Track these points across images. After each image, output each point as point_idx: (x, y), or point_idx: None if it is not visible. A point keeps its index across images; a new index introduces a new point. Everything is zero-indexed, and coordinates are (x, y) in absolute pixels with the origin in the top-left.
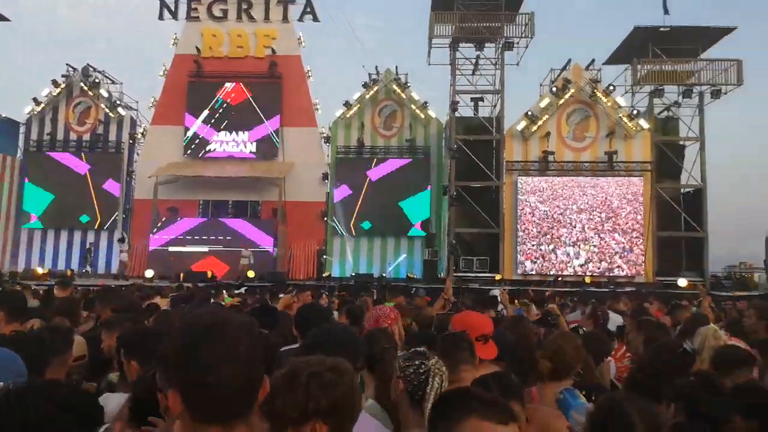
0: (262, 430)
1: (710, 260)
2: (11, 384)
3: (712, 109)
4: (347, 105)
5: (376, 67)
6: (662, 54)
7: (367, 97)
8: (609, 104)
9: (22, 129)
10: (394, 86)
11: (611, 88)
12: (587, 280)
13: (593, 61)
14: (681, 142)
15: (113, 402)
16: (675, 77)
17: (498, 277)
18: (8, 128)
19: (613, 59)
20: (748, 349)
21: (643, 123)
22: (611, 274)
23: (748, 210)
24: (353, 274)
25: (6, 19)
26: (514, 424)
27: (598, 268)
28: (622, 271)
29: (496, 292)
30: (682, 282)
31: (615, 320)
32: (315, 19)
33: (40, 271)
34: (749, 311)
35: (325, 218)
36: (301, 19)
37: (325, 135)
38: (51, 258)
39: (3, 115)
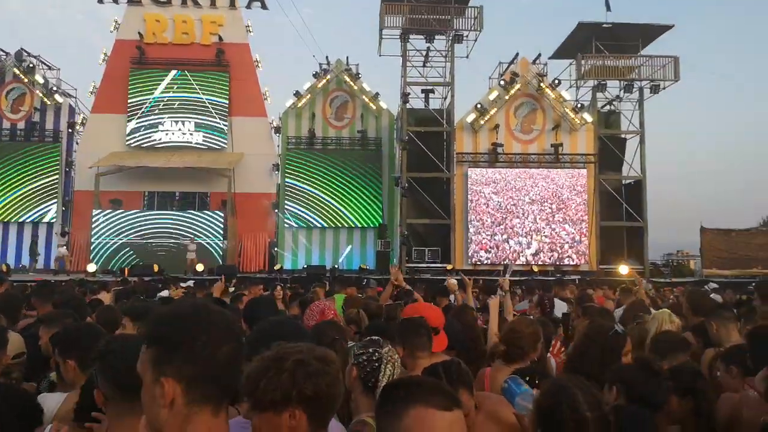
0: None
1: (650, 248)
2: None
3: (652, 104)
4: (297, 95)
5: (327, 57)
6: (605, 50)
7: (318, 87)
8: (554, 98)
9: None
10: (345, 77)
11: (557, 82)
12: (535, 269)
13: (539, 55)
14: (622, 135)
15: (51, 401)
16: (617, 72)
17: (449, 266)
18: None
19: (559, 54)
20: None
21: (587, 116)
22: (561, 264)
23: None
24: (305, 266)
25: None
26: (458, 410)
27: (549, 258)
28: (572, 260)
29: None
30: (624, 269)
31: (560, 307)
32: (263, 6)
33: None
34: (682, 298)
35: (276, 210)
36: (249, 6)
37: (275, 125)
38: None
39: None
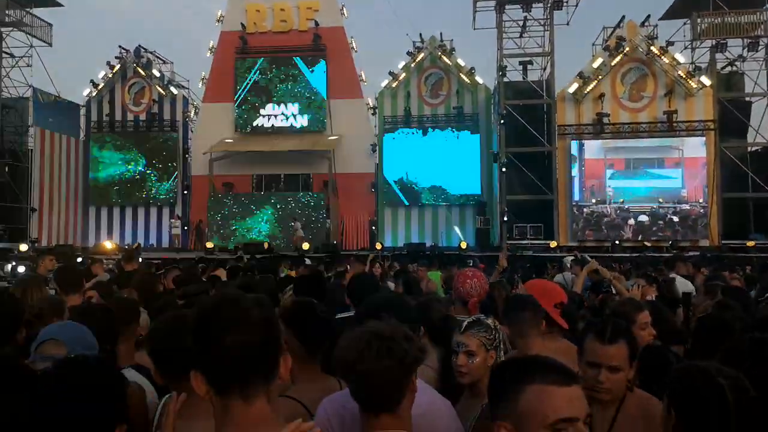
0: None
1: None
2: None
3: None
4: (392, 75)
5: (420, 34)
6: (724, 5)
7: (412, 65)
8: (667, 61)
9: (82, 111)
10: (440, 53)
11: (669, 44)
12: (647, 244)
13: (648, 16)
14: (747, 99)
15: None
16: (739, 29)
17: (553, 244)
18: (69, 111)
19: (671, 14)
20: None
21: (705, 80)
22: (675, 239)
23: None
24: (405, 243)
25: (59, 4)
26: (577, 386)
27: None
28: (692, 235)
29: (569, 258)
30: (750, 243)
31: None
32: None
33: (108, 246)
34: None
35: (374, 189)
36: None
37: (371, 106)
38: (118, 233)
39: (64, 99)
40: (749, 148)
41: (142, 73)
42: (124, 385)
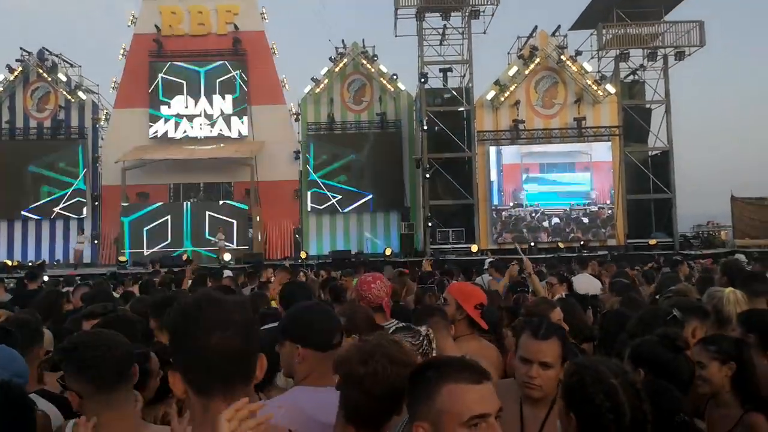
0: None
1: (679, 221)
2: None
3: (677, 71)
4: (315, 81)
5: (343, 40)
6: (627, 18)
7: (336, 71)
8: (576, 70)
9: None
10: (362, 60)
11: (577, 53)
12: (560, 245)
13: (559, 27)
14: (647, 106)
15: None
16: (640, 40)
17: (474, 247)
18: None
19: (579, 24)
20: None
21: (610, 88)
22: (587, 240)
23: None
24: (330, 251)
25: None
26: (488, 383)
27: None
28: (599, 236)
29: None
30: (652, 241)
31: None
32: None
33: (9, 263)
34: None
35: (298, 196)
36: None
37: (294, 112)
38: (20, 249)
39: None
40: (650, 152)
41: (47, 77)
42: (33, 415)
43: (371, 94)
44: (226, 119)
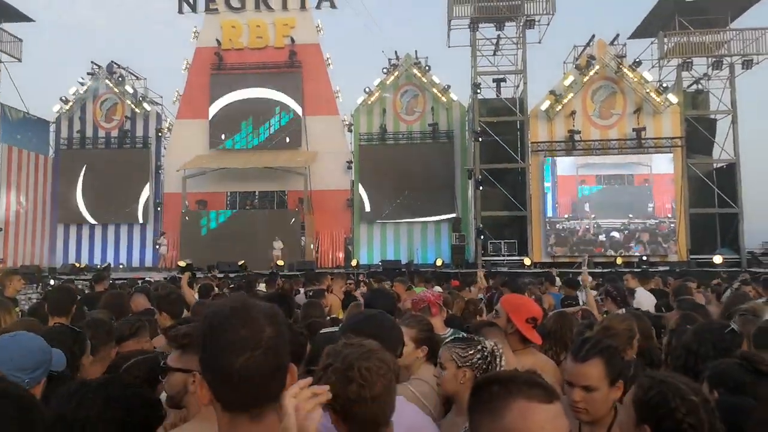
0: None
1: (746, 237)
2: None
3: (744, 80)
4: (368, 92)
5: (396, 52)
6: (689, 25)
7: (388, 82)
8: (635, 79)
9: (52, 128)
10: (415, 71)
11: (637, 62)
12: (618, 261)
13: (618, 36)
14: (712, 116)
15: None
16: (704, 49)
17: (527, 260)
18: (39, 128)
19: (639, 33)
20: None
21: (672, 97)
22: (648, 255)
23: None
24: (381, 260)
25: (30, 20)
26: (558, 402)
27: (635, 250)
28: (660, 251)
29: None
30: (718, 259)
31: (650, 301)
32: (332, 5)
33: (77, 265)
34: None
35: (351, 206)
36: (318, 7)
37: (347, 123)
38: (87, 253)
39: (33, 115)
40: (714, 165)
41: (115, 89)
42: (30, 415)
43: (423, 105)
44: (282, 130)
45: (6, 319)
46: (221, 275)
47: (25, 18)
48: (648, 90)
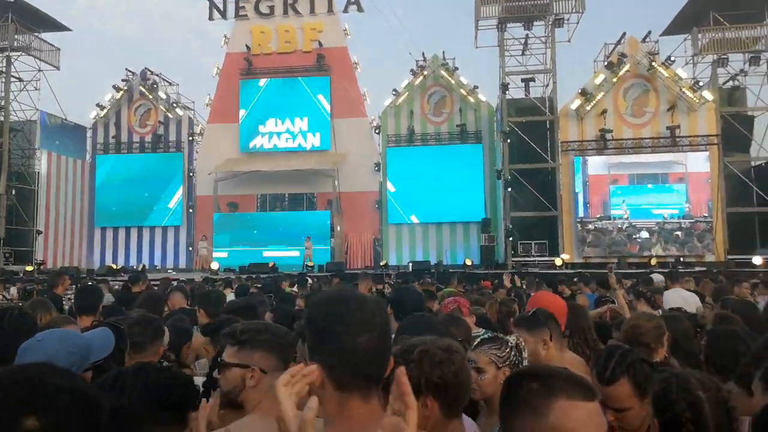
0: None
1: None
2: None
3: None
4: (395, 93)
5: (423, 53)
6: (724, 21)
7: (416, 84)
8: (669, 77)
9: (88, 133)
10: (442, 71)
11: (671, 59)
12: (653, 261)
13: (649, 32)
14: (749, 113)
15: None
16: (740, 44)
17: (558, 261)
18: (76, 133)
19: (672, 29)
20: None
21: (707, 95)
22: (683, 255)
23: None
24: (410, 261)
25: (67, 29)
26: (597, 400)
27: (670, 250)
28: (696, 251)
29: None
30: (757, 260)
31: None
32: (359, 9)
33: (114, 267)
34: None
35: (378, 207)
36: (346, 10)
37: (375, 124)
38: (123, 254)
39: (71, 122)
40: (753, 162)
41: (148, 95)
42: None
43: (451, 106)
44: (310, 132)
45: (46, 317)
46: (253, 276)
47: (62, 27)
48: (682, 87)
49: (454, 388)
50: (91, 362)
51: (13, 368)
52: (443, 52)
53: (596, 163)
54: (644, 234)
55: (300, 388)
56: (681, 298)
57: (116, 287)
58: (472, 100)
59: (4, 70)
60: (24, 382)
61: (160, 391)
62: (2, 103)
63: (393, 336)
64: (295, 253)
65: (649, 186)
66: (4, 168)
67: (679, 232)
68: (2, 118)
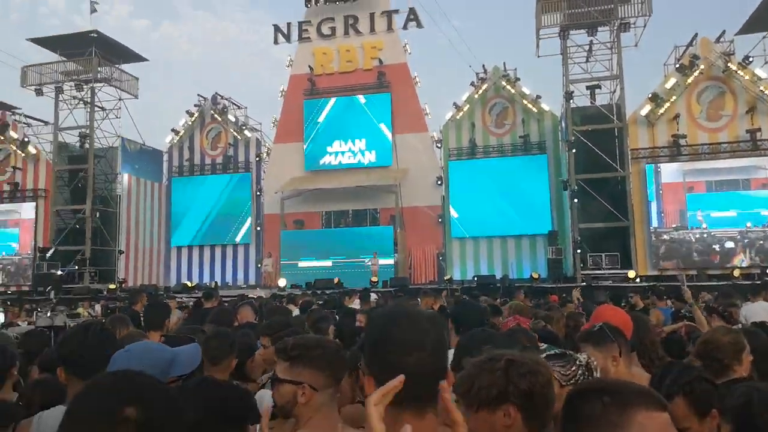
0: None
1: None
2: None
3: None
4: (456, 106)
5: (483, 65)
6: None
7: (476, 96)
8: (747, 78)
9: (165, 157)
10: (503, 83)
11: (748, 59)
12: (736, 273)
13: (724, 32)
14: None
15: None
16: None
17: (632, 273)
18: (153, 158)
19: (748, 28)
20: None
21: None
22: (765, 265)
23: None
24: (475, 276)
25: (145, 59)
26: (668, 410)
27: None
28: None
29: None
30: None
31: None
32: (419, 25)
33: (188, 284)
34: None
35: (441, 221)
36: (405, 27)
37: (436, 139)
38: (197, 272)
39: (149, 146)
40: None
41: (219, 118)
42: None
43: (514, 117)
44: (373, 149)
45: (123, 331)
46: (318, 291)
47: (140, 58)
48: (762, 88)
49: (540, 401)
50: (174, 375)
51: (117, 371)
52: (504, 63)
53: (670, 171)
54: (729, 244)
55: (383, 401)
56: (765, 311)
57: (184, 304)
58: (534, 110)
59: (89, 100)
60: (126, 380)
61: (218, 404)
62: (88, 132)
63: (453, 351)
64: (360, 269)
65: (730, 193)
66: (89, 192)
67: (763, 241)
68: (88, 146)
